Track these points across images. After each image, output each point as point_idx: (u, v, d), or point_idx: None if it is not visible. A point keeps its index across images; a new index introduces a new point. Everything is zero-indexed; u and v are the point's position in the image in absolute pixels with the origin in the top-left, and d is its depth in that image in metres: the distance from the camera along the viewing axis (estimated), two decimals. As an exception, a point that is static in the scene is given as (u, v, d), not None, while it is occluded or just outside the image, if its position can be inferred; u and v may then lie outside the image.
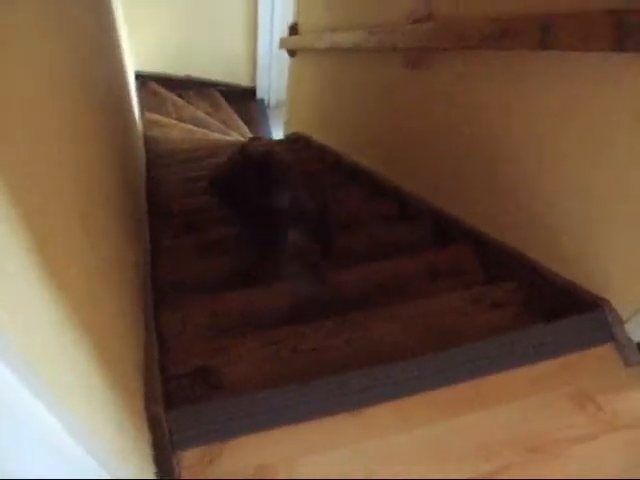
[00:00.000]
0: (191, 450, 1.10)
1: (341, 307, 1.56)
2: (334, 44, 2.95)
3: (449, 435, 1.18)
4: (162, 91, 5.68)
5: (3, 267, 0.48)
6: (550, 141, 1.46)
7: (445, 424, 1.19)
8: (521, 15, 1.43)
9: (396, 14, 2.21)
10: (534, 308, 1.53)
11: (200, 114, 5.55)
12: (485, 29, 1.55)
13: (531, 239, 1.60)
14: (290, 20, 4.16)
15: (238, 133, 5.45)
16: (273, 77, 5.97)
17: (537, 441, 1.16)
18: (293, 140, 4.26)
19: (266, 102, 6.23)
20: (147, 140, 4.34)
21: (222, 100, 5.92)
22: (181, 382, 1.29)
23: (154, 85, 5.70)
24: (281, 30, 4.97)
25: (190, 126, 5.28)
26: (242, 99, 6.08)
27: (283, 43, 4.38)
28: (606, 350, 1.33)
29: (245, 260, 1.84)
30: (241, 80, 6.12)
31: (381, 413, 1.19)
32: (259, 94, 6.19)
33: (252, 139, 2.17)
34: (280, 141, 4.69)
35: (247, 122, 5.76)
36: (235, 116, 5.77)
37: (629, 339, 1.34)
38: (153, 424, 1.09)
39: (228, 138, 5.18)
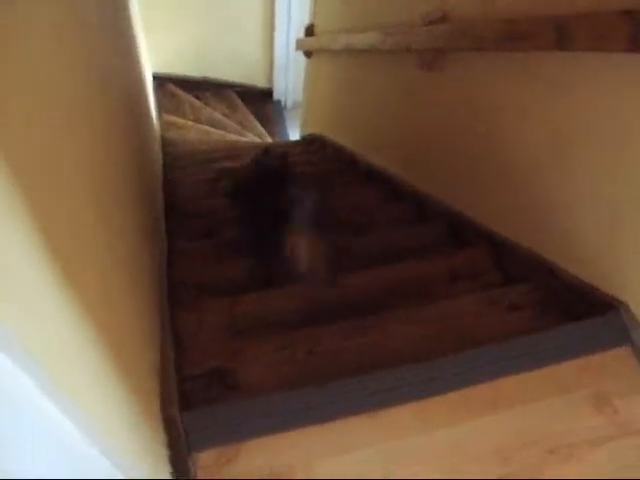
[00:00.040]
0: (207, 451, 1.10)
1: (358, 309, 1.56)
2: (350, 45, 2.96)
3: (468, 436, 1.17)
4: (179, 93, 5.71)
5: (20, 267, 0.49)
6: (566, 143, 1.44)
7: (464, 425, 1.19)
8: (536, 16, 1.42)
9: (411, 15, 2.20)
10: (551, 310, 1.52)
11: (217, 115, 5.57)
12: (500, 30, 1.54)
13: (548, 241, 1.59)
14: (306, 21, 4.17)
15: (254, 134, 5.47)
16: (290, 78, 5.99)
17: (555, 443, 1.15)
18: (309, 141, 4.27)
19: (283, 103, 6.25)
20: (164, 142, 4.35)
21: (239, 101, 5.94)
22: (197, 383, 1.29)
23: (172, 87, 5.73)
24: (298, 31, 4.98)
25: (207, 127, 5.30)
26: (259, 100, 6.09)
27: (299, 44, 4.39)
28: (623, 353, 1.32)
29: (261, 262, 1.84)
30: (258, 81, 6.14)
31: (400, 415, 1.19)
32: (276, 95, 6.20)
33: (267, 150, 2.19)
34: (296, 142, 4.70)
35: (264, 123, 5.78)
36: (252, 117, 5.78)
37: (646, 342, 1.33)
38: (169, 425, 1.09)
39: (245, 139, 5.19)
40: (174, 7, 5.38)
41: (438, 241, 2.06)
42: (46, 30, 0.77)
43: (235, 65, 5.96)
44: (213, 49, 5.78)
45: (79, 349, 0.65)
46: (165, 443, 1.06)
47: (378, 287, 1.71)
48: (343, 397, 1.19)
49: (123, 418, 0.79)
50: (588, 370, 1.29)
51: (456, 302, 1.58)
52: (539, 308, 1.53)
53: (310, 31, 4.04)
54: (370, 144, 3.01)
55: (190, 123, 5.27)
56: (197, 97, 5.81)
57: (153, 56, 5.25)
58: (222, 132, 5.24)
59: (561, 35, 1.29)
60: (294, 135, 5.48)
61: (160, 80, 5.58)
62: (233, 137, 5.17)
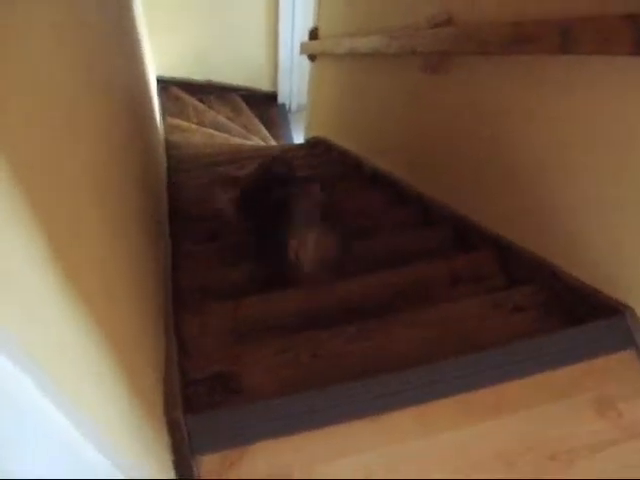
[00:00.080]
0: (211, 454, 1.10)
1: (362, 312, 1.56)
2: (354, 49, 2.96)
3: (470, 441, 1.17)
4: (183, 96, 5.72)
5: (23, 272, 0.49)
6: (571, 146, 1.44)
7: (466, 430, 1.19)
8: (541, 19, 1.42)
9: (416, 18, 2.20)
10: (554, 313, 1.51)
11: (221, 119, 5.58)
12: (505, 34, 1.54)
13: (552, 244, 1.58)
14: (311, 24, 4.17)
15: (259, 138, 5.47)
16: (294, 82, 5.98)
17: (558, 447, 1.15)
18: (313, 144, 4.27)
19: (287, 107, 6.25)
20: (169, 145, 4.36)
21: (243, 105, 5.94)
22: (200, 387, 1.29)
23: (176, 90, 5.74)
24: (302, 35, 4.98)
25: (211, 131, 5.31)
26: (263, 104, 6.10)
27: (303, 48, 4.39)
28: (627, 356, 1.31)
29: (265, 266, 1.84)
30: (262, 85, 6.15)
31: (402, 419, 1.19)
32: (280, 99, 6.20)
33: (275, 159, 2.20)
34: (301, 145, 4.70)
35: (268, 127, 5.78)
36: (256, 121, 5.79)
37: (651, 346, 1.32)
38: (172, 428, 1.09)
39: (250, 143, 5.19)
40: (177, 10, 5.39)
41: (443, 245, 2.06)
42: (46, 30, 0.77)
43: (239, 68, 5.96)
44: (217, 52, 5.79)
45: (82, 352, 0.64)
46: (169, 446, 1.06)
47: (383, 290, 1.71)
48: (347, 401, 1.19)
49: (125, 420, 0.79)
50: (592, 374, 1.29)
51: (460, 305, 1.57)
52: (543, 310, 1.53)
53: (314, 34, 4.04)
54: (375, 148, 3.01)
55: (194, 126, 5.27)
56: (201, 100, 5.82)
57: (157, 59, 5.25)
58: (226, 135, 5.24)
59: (566, 39, 1.29)
60: (298, 138, 5.49)
61: (164, 83, 5.59)
62: (237, 140, 5.17)
